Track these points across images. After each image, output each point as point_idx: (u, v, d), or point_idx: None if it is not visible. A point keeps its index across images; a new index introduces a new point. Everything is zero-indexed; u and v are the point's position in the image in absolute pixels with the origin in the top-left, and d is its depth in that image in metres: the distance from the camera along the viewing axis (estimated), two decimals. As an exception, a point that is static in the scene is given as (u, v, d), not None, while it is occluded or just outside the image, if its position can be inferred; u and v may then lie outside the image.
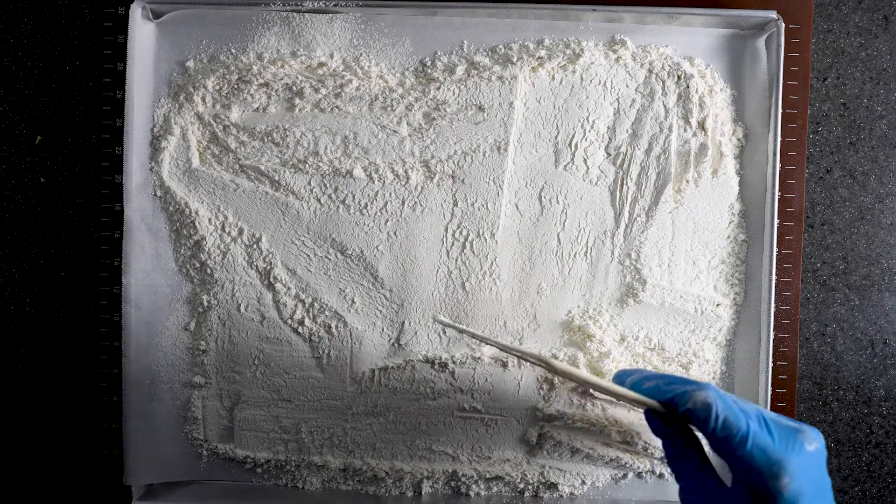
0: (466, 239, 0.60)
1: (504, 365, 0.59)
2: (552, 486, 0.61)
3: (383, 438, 0.60)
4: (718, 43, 0.61)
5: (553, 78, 0.60)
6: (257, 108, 0.60)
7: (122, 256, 0.60)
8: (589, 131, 0.60)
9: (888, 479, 0.64)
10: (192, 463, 0.61)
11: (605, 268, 0.60)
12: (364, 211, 0.59)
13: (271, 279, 0.60)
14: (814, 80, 0.64)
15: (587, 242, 0.60)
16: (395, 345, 0.60)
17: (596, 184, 0.60)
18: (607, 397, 0.58)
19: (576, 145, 0.60)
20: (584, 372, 0.53)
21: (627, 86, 0.60)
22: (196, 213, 0.59)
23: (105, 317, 0.62)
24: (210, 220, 0.60)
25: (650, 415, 0.47)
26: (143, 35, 0.59)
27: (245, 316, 0.60)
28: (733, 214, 0.60)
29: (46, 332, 0.63)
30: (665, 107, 0.60)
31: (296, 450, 0.61)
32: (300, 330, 0.60)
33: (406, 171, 0.59)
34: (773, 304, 0.59)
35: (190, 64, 0.60)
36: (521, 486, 0.61)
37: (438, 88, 0.59)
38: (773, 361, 0.59)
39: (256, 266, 0.60)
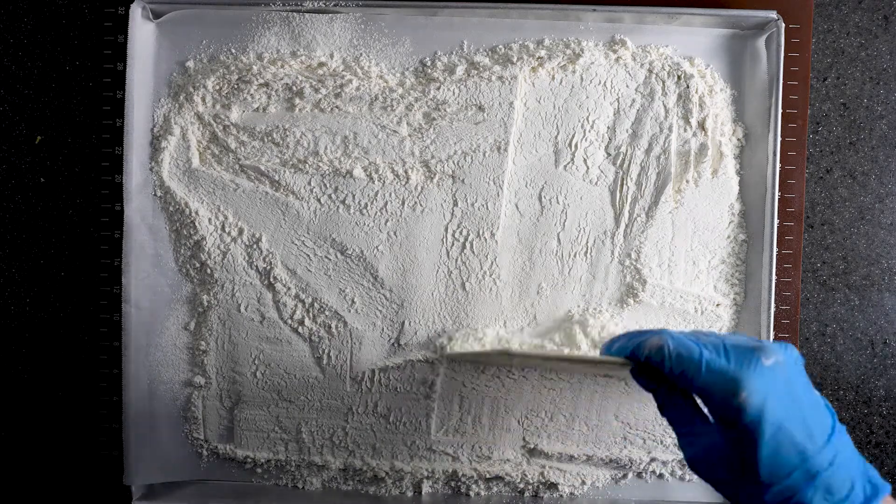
0: (466, 239, 0.60)
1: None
2: (552, 486, 0.61)
3: (383, 438, 0.60)
4: (718, 43, 0.61)
5: (553, 78, 0.60)
6: (257, 108, 0.60)
7: (122, 256, 0.60)
8: (589, 131, 0.60)
9: (888, 479, 0.64)
10: (192, 463, 0.61)
11: (605, 267, 0.60)
12: (364, 211, 0.59)
13: (271, 279, 0.60)
14: (814, 80, 0.64)
15: (587, 242, 0.60)
16: (395, 345, 0.60)
17: (596, 184, 0.60)
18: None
19: (576, 145, 0.60)
20: (551, 349, 0.53)
21: (627, 86, 0.60)
22: (196, 213, 0.59)
23: (105, 317, 0.62)
24: (210, 220, 0.60)
25: (633, 373, 0.46)
26: (143, 35, 0.59)
27: (245, 316, 0.60)
28: (733, 214, 0.60)
29: (46, 332, 0.63)
30: (665, 107, 0.60)
31: (296, 450, 0.61)
32: (300, 330, 0.60)
33: (406, 171, 0.59)
34: (773, 304, 0.59)
35: (190, 64, 0.60)
36: (521, 486, 0.61)
37: (438, 88, 0.59)
38: (773, 361, 0.59)
39: (256, 266, 0.60)
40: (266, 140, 0.59)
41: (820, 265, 0.64)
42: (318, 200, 0.59)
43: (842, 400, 0.64)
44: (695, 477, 0.61)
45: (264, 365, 0.60)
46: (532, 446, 0.60)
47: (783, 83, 0.59)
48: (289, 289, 0.60)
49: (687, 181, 0.60)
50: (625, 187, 0.60)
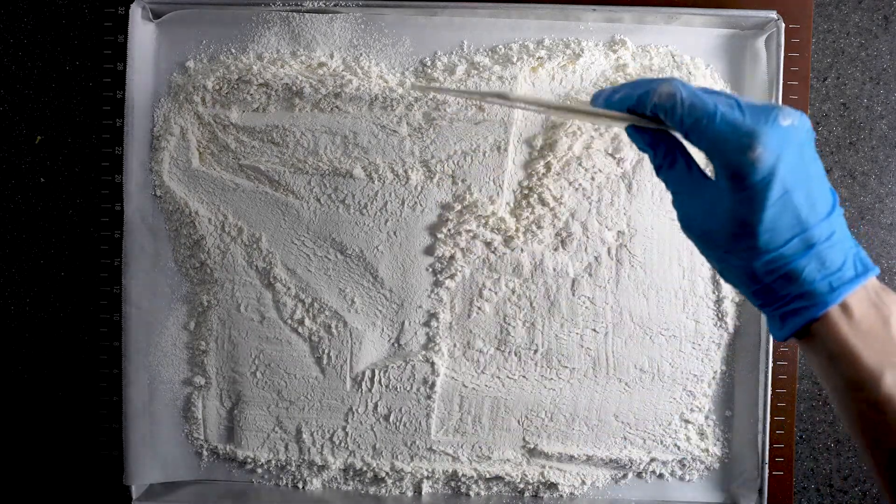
0: (466, 239, 0.60)
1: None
2: (552, 486, 0.61)
3: (383, 438, 0.60)
4: (718, 43, 0.61)
5: (553, 78, 0.60)
6: (257, 108, 0.60)
7: (122, 256, 0.60)
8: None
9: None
10: (192, 463, 0.61)
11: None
12: (364, 211, 0.59)
13: (271, 279, 0.60)
14: (814, 80, 0.64)
15: (587, 242, 0.60)
16: (395, 345, 0.60)
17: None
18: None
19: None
20: (550, 98, 0.50)
21: (627, 86, 0.60)
22: (196, 212, 0.59)
23: (105, 317, 0.62)
24: (210, 219, 0.60)
25: (630, 130, 0.44)
26: (143, 35, 0.59)
27: (245, 316, 0.60)
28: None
29: (46, 332, 0.63)
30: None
31: (296, 450, 0.61)
32: (300, 330, 0.60)
33: (406, 171, 0.59)
34: (773, 304, 0.59)
35: (190, 64, 0.60)
36: (521, 486, 0.61)
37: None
38: (773, 361, 0.59)
39: (256, 266, 0.60)
40: (266, 140, 0.59)
41: (820, 265, 0.64)
42: (318, 200, 0.59)
43: (842, 400, 0.64)
44: (695, 477, 0.62)
45: (264, 365, 0.60)
46: (532, 446, 0.60)
47: (783, 83, 0.59)
48: (289, 289, 0.60)
49: None
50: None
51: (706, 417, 0.61)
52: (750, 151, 0.37)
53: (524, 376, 0.60)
